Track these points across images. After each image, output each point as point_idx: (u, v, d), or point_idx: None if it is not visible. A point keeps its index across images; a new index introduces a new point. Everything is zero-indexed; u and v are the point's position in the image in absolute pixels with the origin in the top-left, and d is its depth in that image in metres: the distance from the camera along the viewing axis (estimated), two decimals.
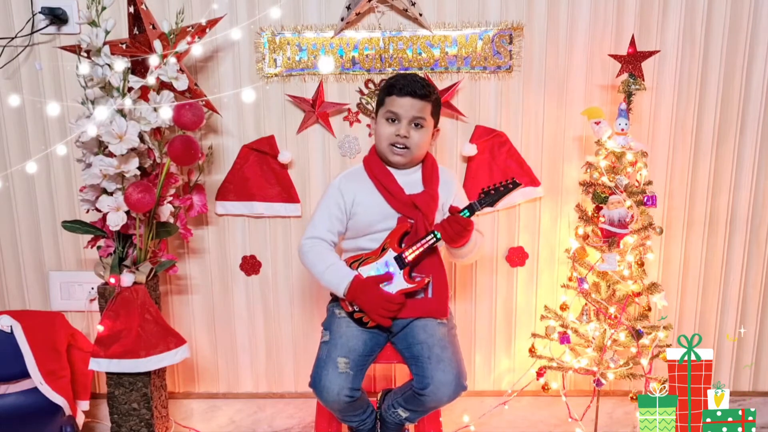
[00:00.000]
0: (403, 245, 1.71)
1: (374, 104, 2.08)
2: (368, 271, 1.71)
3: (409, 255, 1.68)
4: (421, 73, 2.05)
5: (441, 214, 1.76)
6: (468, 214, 1.65)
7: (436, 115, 1.78)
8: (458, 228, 1.63)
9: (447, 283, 1.77)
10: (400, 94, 1.70)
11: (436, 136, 1.83)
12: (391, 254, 1.70)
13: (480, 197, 1.66)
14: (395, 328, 1.74)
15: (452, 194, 1.81)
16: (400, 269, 1.69)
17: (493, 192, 1.66)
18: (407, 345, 1.70)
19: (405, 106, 1.70)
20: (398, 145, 1.73)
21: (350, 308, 1.72)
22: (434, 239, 1.67)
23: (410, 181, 1.77)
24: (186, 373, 2.30)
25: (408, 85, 1.70)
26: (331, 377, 1.61)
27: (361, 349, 1.68)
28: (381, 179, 1.75)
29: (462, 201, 1.79)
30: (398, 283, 1.69)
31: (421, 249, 1.68)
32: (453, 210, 1.65)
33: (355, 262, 1.74)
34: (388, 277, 1.68)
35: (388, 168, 1.78)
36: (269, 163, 2.12)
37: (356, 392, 1.63)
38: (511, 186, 1.67)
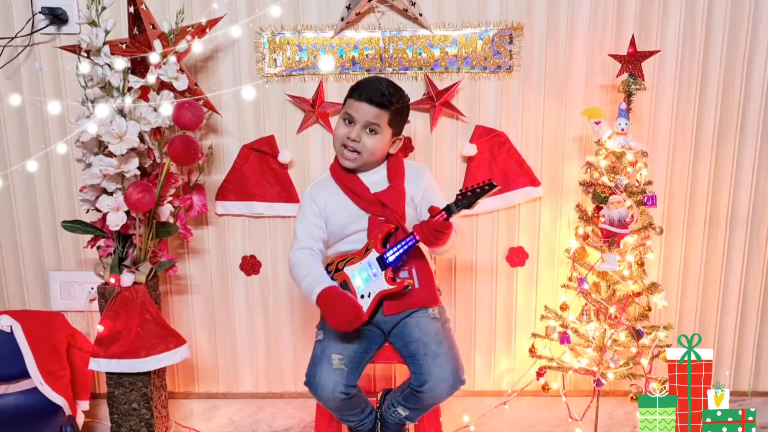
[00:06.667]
0: (387, 246, 1.71)
1: None
2: (353, 270, 1.71)
3: (390, 256, 1.68)
4: (420, 73, 2.05)
5: (412, 208, 1.77)
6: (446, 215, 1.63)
7: (395, 125, 1.75)
8: (436, 231, 1.61)
9: (431, 270, 1.77)
10: (359, 99, 1.70)
11: (398, 145, 1.81)
12: (373, 255, 1.70)
13: (457, 199, 1.63)
14: (388, 326, 1.74)
15: (422, 187, 1.79)
16: (382, 270, 1.69)
17: (470, 194, 1.63)
18: (404, 344, 1.70)
19: (360, 110, 1.70)
20: (349, 148, 1.73)
21: None
22: (414, 241, 1.66)
23: (376, 180, 1.78)
24: (186, 373, 2.30)
25: (367, 90, 1.70)
26: (326, 374, 1.61)
27: (356, 346, 1.68)
28: (345, 182, 1.77)
29: (436, 193, 1.79)
30: (379, 284, 1.68)
31: (401, 251, 1.67)
32: (432, 211, 1.64)
33: (341, 261, 1.75)
34: (356, 305, 1.66)
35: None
36: (269, 163, 2.12)
37: (351, 389, 1.63)
38: (487, 188, 1.62)
